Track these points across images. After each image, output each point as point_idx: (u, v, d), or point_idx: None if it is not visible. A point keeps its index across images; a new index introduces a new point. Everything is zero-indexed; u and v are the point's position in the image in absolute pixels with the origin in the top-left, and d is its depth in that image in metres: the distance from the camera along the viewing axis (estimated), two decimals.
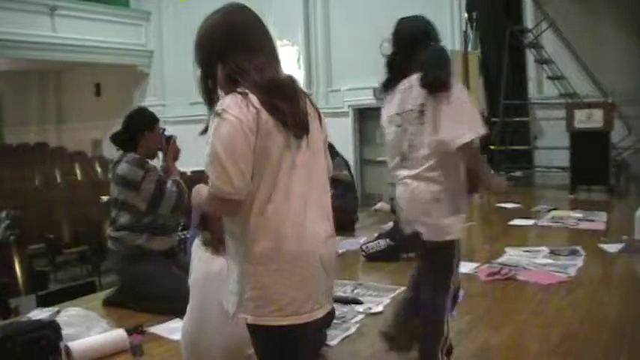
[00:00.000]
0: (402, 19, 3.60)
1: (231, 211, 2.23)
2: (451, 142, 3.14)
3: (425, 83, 3.24)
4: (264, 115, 2.21)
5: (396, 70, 3.53)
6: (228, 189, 2.15)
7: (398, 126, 3.46)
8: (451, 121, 3.17)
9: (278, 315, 2.22)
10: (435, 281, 3.34)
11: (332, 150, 8.12)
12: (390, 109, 3.54)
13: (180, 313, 3.27)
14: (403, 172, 3.42)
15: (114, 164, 4.88)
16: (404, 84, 3.39)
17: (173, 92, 17.15)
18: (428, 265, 3.47)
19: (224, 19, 2.40)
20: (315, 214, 2.30)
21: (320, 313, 2.32)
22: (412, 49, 3.44)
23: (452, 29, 13.53)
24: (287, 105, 2.27)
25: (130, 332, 4.00)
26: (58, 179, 13.99)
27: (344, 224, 7.51)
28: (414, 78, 3.31)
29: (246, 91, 2.23)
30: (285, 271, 2.22)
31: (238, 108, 2.19)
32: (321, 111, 2.50)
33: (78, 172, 14.91)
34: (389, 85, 3.57)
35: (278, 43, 10.72)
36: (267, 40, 2.53)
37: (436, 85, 3.24)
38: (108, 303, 4.94)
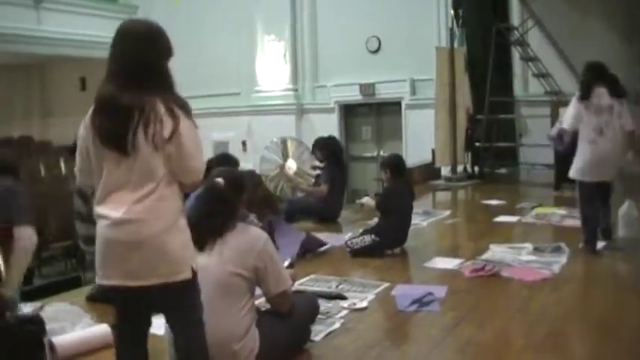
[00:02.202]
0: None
1: None
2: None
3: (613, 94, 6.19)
4: None
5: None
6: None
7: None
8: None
9: None
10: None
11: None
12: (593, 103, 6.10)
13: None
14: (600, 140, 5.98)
15: None
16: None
17: None
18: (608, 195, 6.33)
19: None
20: None
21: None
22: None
23: (438, 26, 13.57)
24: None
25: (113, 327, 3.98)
26: (43, 173, 13.89)
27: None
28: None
29: None
30: None
31: None
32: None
33: (62, 166, 14.80)
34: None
35: (265, 39, 10.80)
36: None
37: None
38: (92, 298, 4.91)
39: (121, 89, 2.65)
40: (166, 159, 2.69)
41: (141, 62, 2.71)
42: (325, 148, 8.55)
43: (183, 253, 2.76)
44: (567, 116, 6.32)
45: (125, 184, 2.67)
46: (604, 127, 6.07)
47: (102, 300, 4.69)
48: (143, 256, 2.66)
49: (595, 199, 6.21)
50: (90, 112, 2.73)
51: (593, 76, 6.37)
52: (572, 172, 6.34)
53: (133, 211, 2.65)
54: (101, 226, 2.71)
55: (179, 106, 2.72)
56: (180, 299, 2.81)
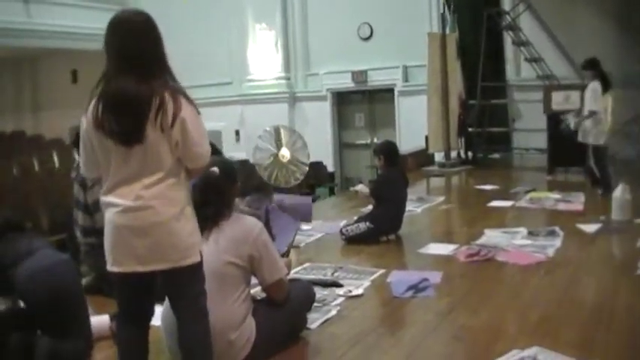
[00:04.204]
0: None
1: None
2: None
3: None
4: None
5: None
6: None
7: None
8: None
9: None
10: None
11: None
12: None
13: (160, 298, 3.26)
14: None
15: (77, 165, 4.85)
16: None
17: None
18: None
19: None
20: None
21: None
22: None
23: (429, 11, 13.56)
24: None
25: (112, 318, 3.98)
26: (36, 168, 13.83)
27: None
28: None
29: None
30: None
31: None
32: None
33: (55, 159, 14.74)
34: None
35: (256, 27, 10.77)
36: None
37: None
38: (87, 290, 4.91)
39: (131, 83, 2.65)
40: (173, 146, 2.73)
41: (143, 54, 2.72)
42: None
43: (192, 239, 2.83)
44: (595, 102, 8.17)
45: (134, 174, 2.71)
46: None
47: (100, 291, 4.71)
48: (153, 242, 2.72)
49: None
50: (92, 107, 2.71)
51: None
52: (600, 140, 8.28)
53: (143, 197, 2.70)
54: (111, 213, 2.74)
55: (181, 93, 2.76)
56: (188, 284, 2.88)
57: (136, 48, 2.70)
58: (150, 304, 2.99)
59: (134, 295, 2.89)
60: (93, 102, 2.71)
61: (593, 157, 8.49)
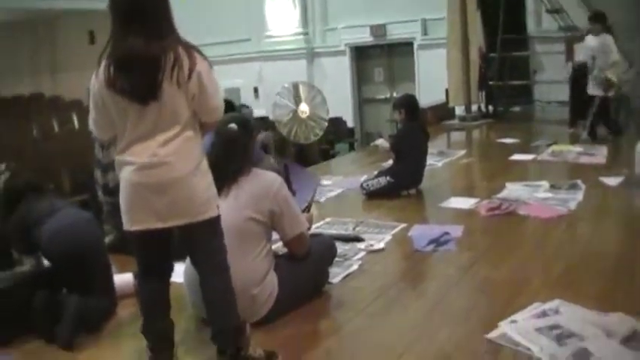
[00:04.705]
0: None
1: None
2: None
3: None
4: None
5: None
6: None
7: None
8: None
9: None
10: None
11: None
12: None
13: (180, 256, 3.29)
14: None
15: None
16: None
17: None
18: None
19: None
20: None
21: None
22: None
23: None
24: None
25: (136, 276, 4.01)
26: (56, 129, 13.87)
27: None
28: None
29: None
30: None
31: None
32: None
33: (75, 121, 14.78)
34: None
35: None
36: None
37: None
38: (110, 248, 4.95)
39: (143, 41, 2.64)
40: (190, 99, 2.74)
41: (152, 12, 2.70)
42: None
43: (209, 193, 2.85)
44: (615, 53, 8.64)
45: (150, 131, 2.71)
46: None
47: (122, 250, 4.74)
48: (172, 198, 2.73)
49: None
50: (103, 67, 2.69)
51: None
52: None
53: (159, 154, 2.70)
54: (127, 172, 2.75)
55: (194, 48, 2.76)
56: (208, 238, 2.90)
57: (144, 6, 2.68)
58: (169, 260, 3.00)
59: (153, 251, 2.91)
60: (103, 63, 2.69)
61: (597, 107, 8.78)
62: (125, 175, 2.76)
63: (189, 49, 2.74)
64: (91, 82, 2.77)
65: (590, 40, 8.69)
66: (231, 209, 3.25)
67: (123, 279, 4.04)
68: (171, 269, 3.03)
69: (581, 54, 9.01)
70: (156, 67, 2.64)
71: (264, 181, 3.46)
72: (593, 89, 8.73)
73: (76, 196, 9.40)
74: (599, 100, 8.75)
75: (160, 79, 2.65)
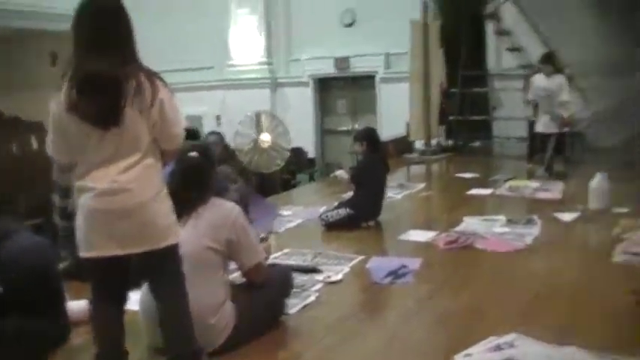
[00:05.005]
0: None
1: None
2: None
3: None
4: None
5: None
6: None
7: None
8: None
9: None
10: None
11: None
12: None
13: (135, 284, 3.25)
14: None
15: None
16: None
17: None
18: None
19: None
20: None
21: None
22: None
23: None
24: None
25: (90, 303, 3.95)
26: (14, 150, 13.68)
27: None
28: None
29: None
30: None
31: None
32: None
33: (34, 143, 14.59)
34: None
35: (238, 12, 10.67)
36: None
37: None
38: (65, 274, 4.87)
39: (106, 65, 2.65)
40: (151, 127, 2.74)
41: (117, 37, 2.72)
42: None
43: (169, 219, 2.86)
44: (568, 93, 8.95)
45: (111, 156, 2.70)
46: None
47: (77, 276, 4.67)
48: (133, 224, 2.72)
49: None
50: (65, 90, 2.67)
51: None
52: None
53: (119, 180, 2.69)
54: (86, 198, 2.72)
55: (156, 75, 2.78)
56: (169, 264, 2.90)
57: (109, 31, 2.70)
58: (125, 287, 2.99)
59: (109, 278, 2.89)
60: (65, 85, 2.68)
61: (554, 143, 8.95)
62: (84, 201, 2.73)
63: (152, 76, 2.75)
64: (50, 105, 2.74)
65: (541, 80, 8.91)
66: (189, 238, 3.23)
67: (77, 306, 3.98)
68: (126, 297, 3.00)
69: (530, 93, 9.20)
70: (118, 92, 2.64)
71: (222, 210, 3.45)
72: (545, 127, 8.97)
73: (31, 219, 9.26)
74: (555, 137, 8.96)
75: (123, 104, 2.65)
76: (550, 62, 8.97)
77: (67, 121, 2.69)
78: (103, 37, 2.68)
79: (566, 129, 9.05)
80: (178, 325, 2.94)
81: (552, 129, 8.95)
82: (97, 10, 2.73)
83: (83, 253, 2.78)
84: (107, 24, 2.71)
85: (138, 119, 2.70)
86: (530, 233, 5.84)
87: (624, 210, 6.49)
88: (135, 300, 3.32)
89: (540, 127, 9.07)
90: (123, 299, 2.99)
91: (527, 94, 9.40)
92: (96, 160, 2.71)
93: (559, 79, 8.84)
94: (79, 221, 2.77)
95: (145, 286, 3.23)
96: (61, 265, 4.81)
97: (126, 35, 2.76)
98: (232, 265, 3.55)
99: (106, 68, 2.64)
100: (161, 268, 2.89)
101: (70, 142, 2.74)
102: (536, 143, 9.39)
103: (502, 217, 6.43)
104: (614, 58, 11.37)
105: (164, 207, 2.83)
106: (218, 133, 7.62)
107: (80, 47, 2.70)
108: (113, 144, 2.69)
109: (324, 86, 15.37)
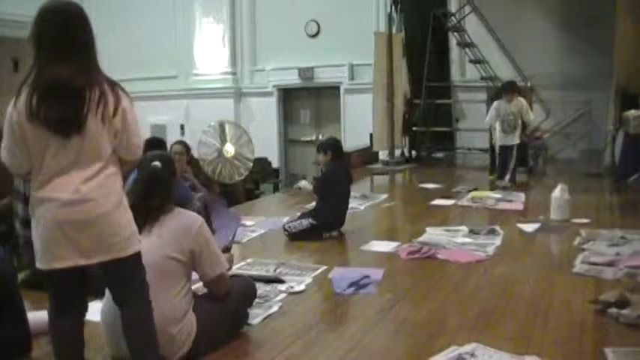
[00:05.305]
0: None
1: None
2: None
3: None
4: None
5: None
6: None
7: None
8: None
9: None
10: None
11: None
12: None
13: (99, 293, 3.22)
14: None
15: None
16: None
17: None
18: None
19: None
20: None
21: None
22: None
23: (377, 11, 13.65)
24: None
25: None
26: None
27: None
28: None
29: None
30: None
31: None
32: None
33: None
34: None
35: (203, 21, 10.64)
36: None
37: None
38: (24, 284, 4.80)
39: (68, 72, 2.62)
40: (113, 136, 2.73)
41: (79, 44, 2.70)
42: None
43: (132, 228, 2.85)
44: (530, 113, 9.47)
45: (71, 165, 2.67)
46: None
47: (37, 286, 4.60)
48: (97, 234, 2.70)
49: None
50: (25, 97, 2.62)
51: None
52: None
53: (82, 190, 2.67)
54: (48, 208, 2.68)
55: (117, 84, 2.77)
56: (132, 272, 2.89)
57: (71, 38, 2.68)
58: (84, 298, 2.96)
59: (69, 288, 2.86)
60: (25, 92, 2.64)
61: (515, 154, 9.34)
62: (45, 213, 2.69)
63: (114, 85, 2.74)
64: (7, 111, 2.69)
65: (502, 105, 9.28)
66: (153, 247, 3.21)
67: (39, 316, 3.91)
68: (85, 307, 2.97)
69: (489, 119, 9.50)
70: (81, 100, 2.62)
71: (186, 220, 3.43)
72: (506, 140, 9.31)
73: None
74: (517, 148, 9.30)
75: (85, 113, 2.63)
76: (511, 90, 9.32)
77: (25, 128, 2.65)
78: (65, 44, 2.66)
79: (524, 138, 9.55)
80: (143, 330, 2.93)
81: (513, 141, 9.25)
82: (59, 17, 2.69)
83: (44, 265, 2.74)
84: (69, 31, 2.68)
85: (100, 128, 2.68)
86: (492, 243, 5.90)
87: (585, 220, 6.60)
88: (93, 310, 3.28)
89: (500, 141, 9.36)
90: (82, 310, 2.96)
91: (486, 119, 9.67)
92: (55, 169, 2.67)
93: (520, 103, 9.27)
94: (39, 232, 2.72)
95: (107, 296, 3.20)
96: (21, 275, 4.75)
97: (88, 43, 2.74)
98: (195, 276, 3.53)
99: (68, 76, 2.62)
100: (126, 276, 2.88)
101: (28, 150, 2.69)
102: (499, 156, 9.52)
103: (464, 228, 6.49)
104: (575, 71, 11.57)
105: (126, 216, 2.82)
106: (183, 142, 7.58)
107: (41, 54, 2.67)
108: (73, 152, 2.66)
109: (288, 96, 15.40)
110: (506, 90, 9.40)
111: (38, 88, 2.62)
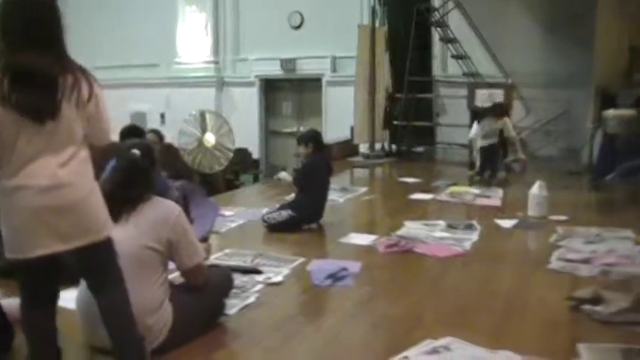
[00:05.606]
0: None
1: None
2: None
3: None
4: None
5: None
6: None
7: None
8: None
9: None
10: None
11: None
12: None
13: (75, 281, 3.20)
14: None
15: None
16: None
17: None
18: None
19: None
20: None
21: None
22: None
23: (360, 3, 13.64)
24: None
25: None
26: None
27: None
28: None
29: None
30: None
31: None
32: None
33: None
34: None
35: (186, 9, 10.60)
36: None
37: None
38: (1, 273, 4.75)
39: (41, 57, 2.61)
40: (85, 121, 2.73)
41: (51, 31, 2.70)
42: None
43: (105, 212, 2.85)
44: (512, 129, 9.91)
45: (44, 150, 2.65)
46: None
47: (9, 274, 4.55)
48: (76, 218, 2.70)
49: None
50: None
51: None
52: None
53: (59, 175, 2.66)
54: (24, 196, 2.63)
55: (86, 70, 2.78)
56: (107, 255, 2.89)
57: (43, 23, 2.67)
58: (57, 285, 2.95)
59: (44, 277, 2.84)
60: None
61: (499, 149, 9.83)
62: (19, 201, 2.64)
63: (84, 71, 2.74)
64: None
65: (487, 124, 9.54)
66: (130, 236, 3.20)
67: (11, 305, 3.88)
68: (57, 295, 2.95)
69: (473, 134, 9.68)
70: (55, 85, 2.61)
71: (163, 209, 3.41)
72: (489, 141, 9.57)
73: None
74: (497, 145, 9.61)
75: (59, 99, 2.61)
76: (501, 112, 9.70)
77: None
78: (37, 29, 2.64)
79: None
80: (121, 313, 2.93)
81: (495, 140, 9.55)
82: (31, 2, 2.68)
83: (23, 254, 2.70)
84: (40, 16, 2.67)
85: (74, 113, 2.68)
86: (469, 238, 5.93)
87: (562, 217, 6.64)
88: (67, 298, 3.26)
89: (482, 144, 9.59)
90: (54, 298, 2.94)
91: (470, 134, 9.83)
92: (28, 155, 2.63)
93: (504, 121, 9.64)
94: (14, 221, 2.68)
95: (82, 284, 3.18)
96: None
97: (58, 29, 2.74)
98: (171, 265, 3.52)
99: (41, 60, 2.61)
100: (101, 260, 2.87)
101: (0, 136, 2.65)
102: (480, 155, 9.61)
103: (442, 222, 6.51)
104: (558, 69, 11.63)
105: (100, 199, 2.83)
106: (157, 131, 7.53)
107: (12, 39, 2.65)
108: (46, 138, 2.64)
109: (270, 87, 15.39)
110: (496, 111, 9.70)
111: (10, 71, 2.60)
